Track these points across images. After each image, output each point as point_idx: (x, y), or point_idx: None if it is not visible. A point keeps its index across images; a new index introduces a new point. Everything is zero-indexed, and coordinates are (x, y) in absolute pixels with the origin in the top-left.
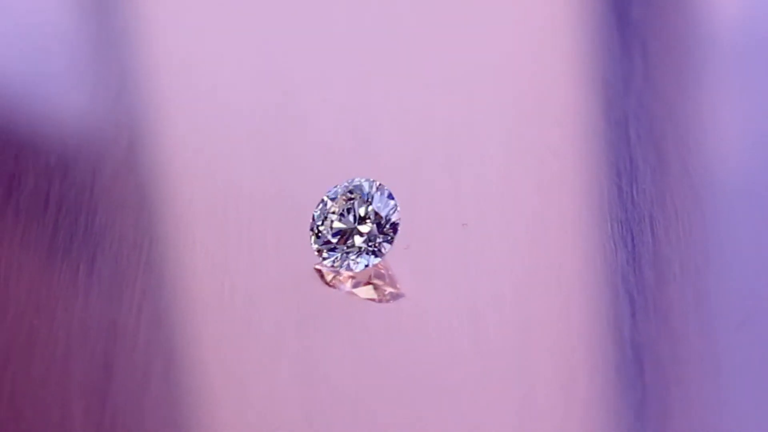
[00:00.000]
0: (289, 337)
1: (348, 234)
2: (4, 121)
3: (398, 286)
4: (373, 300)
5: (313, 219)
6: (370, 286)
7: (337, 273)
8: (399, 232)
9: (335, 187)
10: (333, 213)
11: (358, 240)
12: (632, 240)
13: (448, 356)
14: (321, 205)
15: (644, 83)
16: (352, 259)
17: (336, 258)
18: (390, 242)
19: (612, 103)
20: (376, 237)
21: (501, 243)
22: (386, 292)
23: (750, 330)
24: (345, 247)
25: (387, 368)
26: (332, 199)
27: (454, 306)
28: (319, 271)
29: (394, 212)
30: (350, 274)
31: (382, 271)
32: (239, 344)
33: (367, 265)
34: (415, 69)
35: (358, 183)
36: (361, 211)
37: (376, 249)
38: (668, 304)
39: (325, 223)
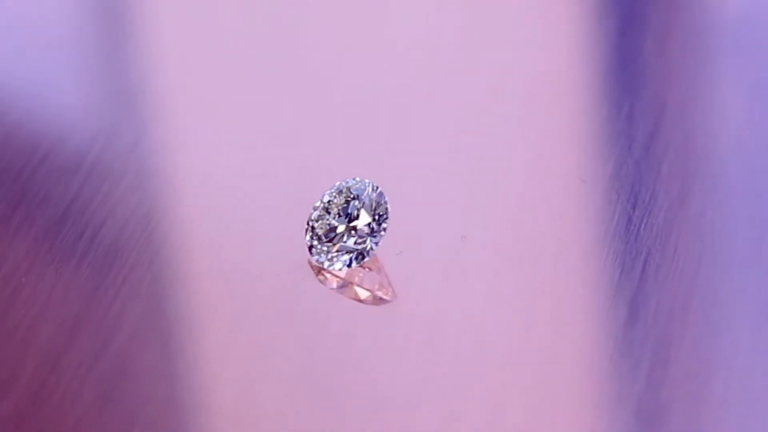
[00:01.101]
0: (255, 328)
1: (339, 232)
2: (57, 88)
3: (386, 290)
4: (358, 301)
5: (310, 215)
6: (357, 288)
7: (326, 270)
8: (390, 236)
9: (336, 184)
10: (328, 210)
11: (347, 239)
12: (620, 274)
13: (423, 364)
14: (319, 202)
15: (696, 113)
16: (340, 258)
17: (325, 255)
18: (377, 245)
19: (659, 130)
20: (364, 238)
21: (493, 257)
22: (372, 295)
23: (694, 389)
24: (334, 245)
25: (356, 371)
26: (330, 197)
27: (436, 315)
28: (311, 266)
29: (385, 216)
30: (338, 272)
31: (372, 273)
32: (206, 330)
33: (350, 265)
34: (436, 81)
35: (354, 183)
36: (354, 211)
37: (363, 250)
38: (628, 347)
39: (320, 220)
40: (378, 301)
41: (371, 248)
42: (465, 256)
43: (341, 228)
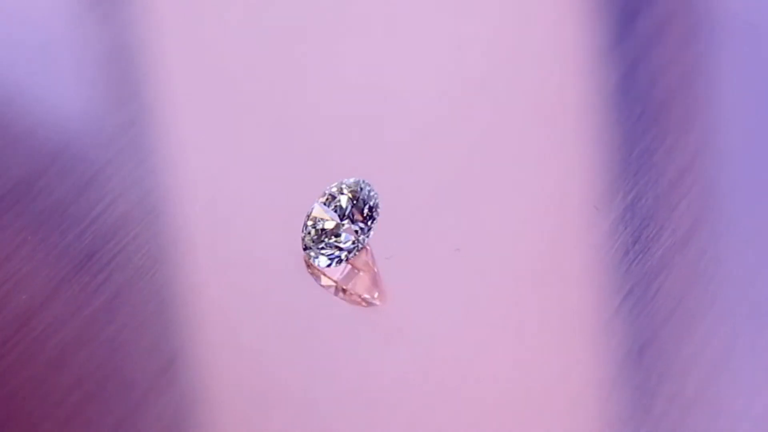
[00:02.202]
0: (230, 317)
1: (327, 229)
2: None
3: (374, 293)
4: (344, 300)
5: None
6: (347, 288)
7: (316, 267)
8: (385, 240)
9: (336, 182)
10: (326, 205)
11: (334, 237)
12: (597, 305)
13: (398, 367)
14: (323, 196)
15: (732, 157)
16: (325, 254)
17: (313, 250)
18: (362, 245)
19: (692, 168)
20: (351, 238)
21: (481, 273)
22: (361, 298)
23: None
24: (321, 241)
25: (332, 368)
26: (328, 194)
27: (416, 322)
28: (305, 260)
29: (375, 217)
30: (330, 270)
31: (364, 275)
32: (180, 311)
33: (336, 263)
34: (454, 94)
35: (352, 182)
36: (348, 210)
37: (347, 249)
38: (582, 379)
39: (315, 216)
40: (366, 303)
41: (356, 248)
42: (455, 267)
43: (330, 225)
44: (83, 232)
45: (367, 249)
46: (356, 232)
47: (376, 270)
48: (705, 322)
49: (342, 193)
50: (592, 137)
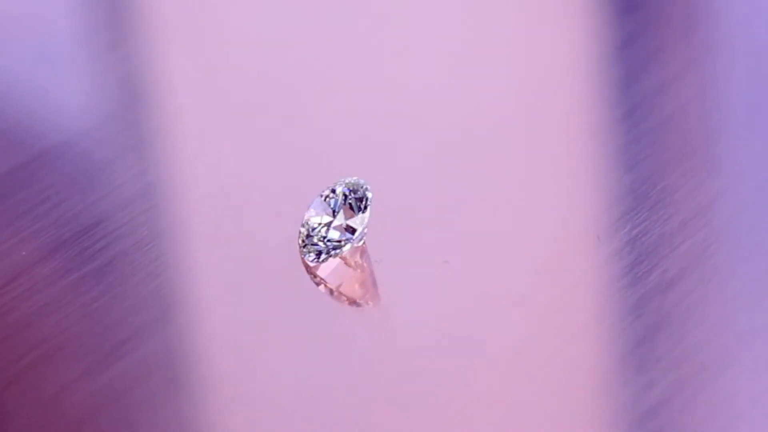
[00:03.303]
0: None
1: (320, 227)
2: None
3: (365, 294)
4: (334, 299)
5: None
6: (339, 287)
7: (307, 262)
8: (375, 244)
9: (340, 179)
10: (320, 204)
11: (325, 235)
12: (569, 335)
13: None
14: (328, 190)
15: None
16: (314, 251)
17: (305, 246)
18: (351, 244)
19: (711, 207)
20: (341, 237)
21: (463, 285)
22: (348, 297)
23: None
24: (312, 238)
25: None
26: (328, 191)
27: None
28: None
29: (366, 220)
30: (322, 266)
31: (356, 274)
32: (163, 289)
33: (317, 260)
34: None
35: (351, 181)
36: (340, 209)
37: (335, 247)
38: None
39: (311, 212)
40: (356, 304)
41: (344, 247)
42: (441, 277)
43: (322, 221)
44: (103, 198)
45: (362, 250)
46: (346, 231)
47: (369, 271)
48: (651, 372)
49: (340, 191)
50: (615, 165)
